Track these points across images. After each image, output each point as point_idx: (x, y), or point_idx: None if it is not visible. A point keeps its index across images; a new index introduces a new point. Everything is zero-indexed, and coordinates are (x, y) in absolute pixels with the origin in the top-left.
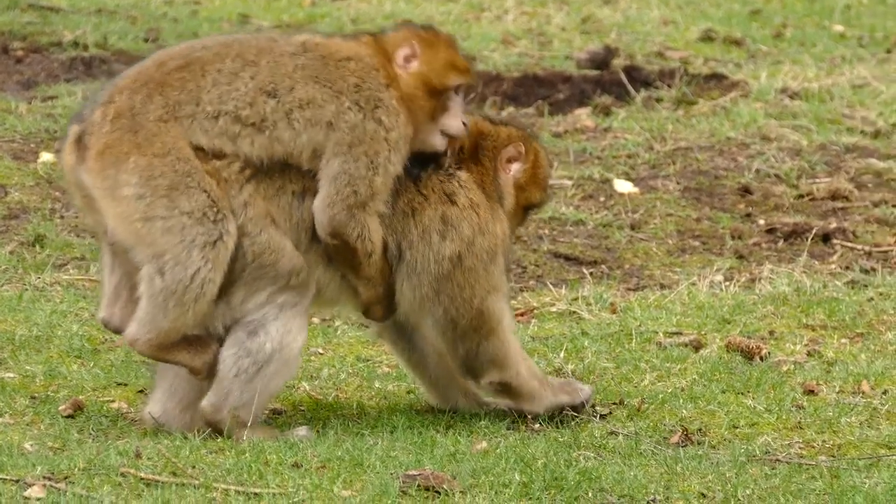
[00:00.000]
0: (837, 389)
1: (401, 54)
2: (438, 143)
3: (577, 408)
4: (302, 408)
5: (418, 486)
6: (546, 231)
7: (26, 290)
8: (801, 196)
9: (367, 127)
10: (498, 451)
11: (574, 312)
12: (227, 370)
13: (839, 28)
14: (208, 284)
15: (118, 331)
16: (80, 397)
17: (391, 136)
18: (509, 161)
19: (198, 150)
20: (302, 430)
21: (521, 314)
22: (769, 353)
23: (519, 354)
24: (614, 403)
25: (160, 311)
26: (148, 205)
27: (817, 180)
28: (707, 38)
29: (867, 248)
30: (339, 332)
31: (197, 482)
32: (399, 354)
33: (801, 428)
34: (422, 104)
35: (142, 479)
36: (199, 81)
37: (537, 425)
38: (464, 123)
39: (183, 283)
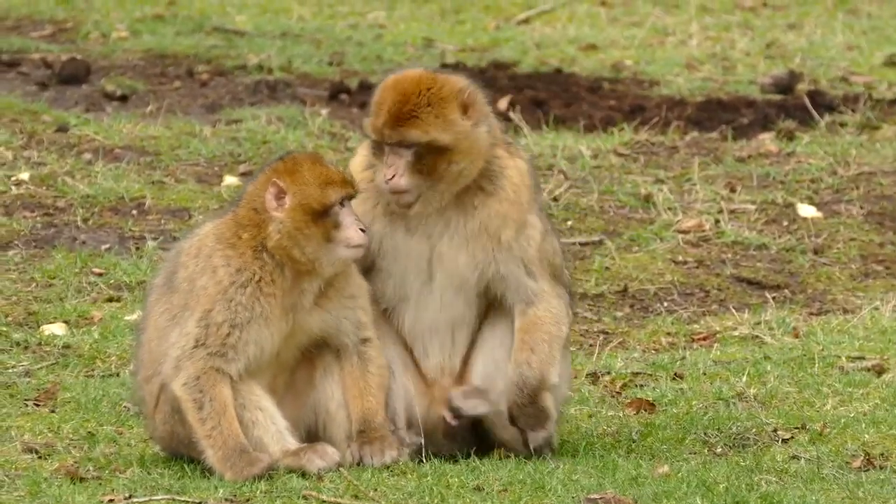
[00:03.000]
0: None
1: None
2: (347, 255)
3: None
4: None
5: None
6: (729, 255)
7: None
8: None
9: None
10: (679, 474)
11: (757, 337)
12: None
13: None
14: None
15: None
16: None
17: None
18: None
19: None
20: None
21: (704, 338)
22: None
23: None
24: (796, 428)
25: None
26: None
27: None
28: (891, 63)
29: None
30: None
31: None
32: None
33: None
34: (310, 232)
35: (324, 501)
36: None
37: (719, 449)
38: (362, 230)
39: None
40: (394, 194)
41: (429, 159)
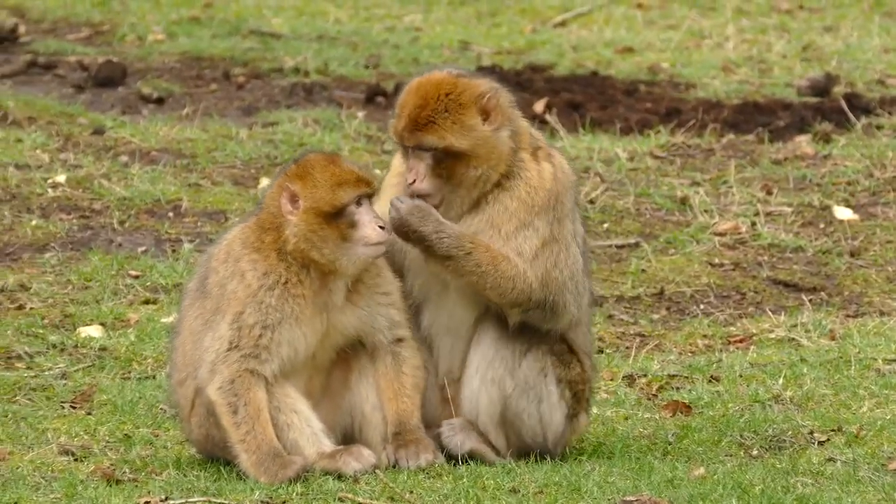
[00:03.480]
0: None
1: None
2: (366, 253)
3: None
4: None
5: None
6: (765, 258)
7: None
8: None
9: None
10: (715, 476)
11: (793, 339)
12: None
13: None
14: None
15: None
16: None
17: None
18: None
19: None
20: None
21: (740, 340)
22: None
23: None
24: (833, 430)
25: None
26: None
27: None
28: None
29: None
30: None
31: None
32: None
33: None
34: (324, 233)
35: (359, 503)
36: None
37: (755, 451)
38: (381, 227)
39: None
40: (418, 197)
41: (448, 164)
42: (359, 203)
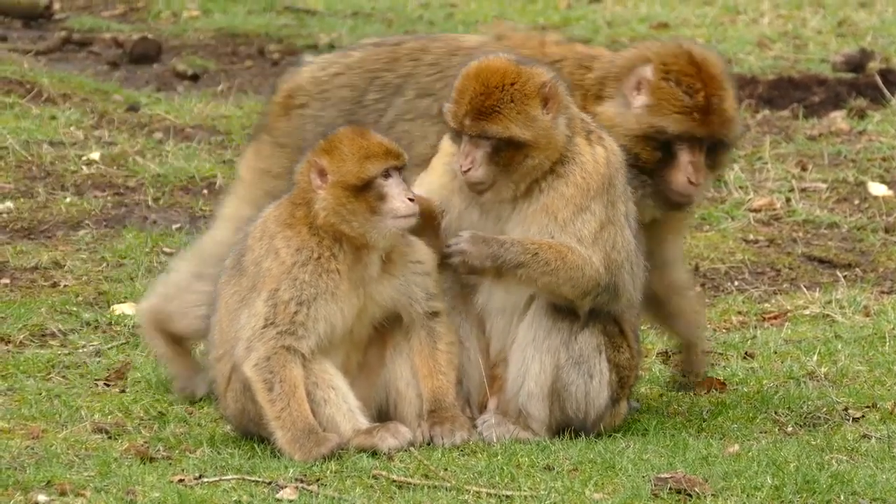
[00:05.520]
0: None
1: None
2: (396, 226)
3: None
4: None
5: (670, 488)
6: (800, 234)
7: None
8: None
9: None
10: (750, 454)
11: (827, 315)
12: None
13: None
14: None
15: None
16: None
17: None
18: None
19: None
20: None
21: (775, 317)
22: None
23: None
24: (867, 407)
25: None
26: None
27: None
28: None
29: None
30: None
31: (448, 484)
32: None
33: None
34: (353, 206)
35: (394, 481)
36: None
37: (790, 428)
38: (410, 199)
39: None
40: (469, 183)
41: (506, 153)
42: (387, 175)
